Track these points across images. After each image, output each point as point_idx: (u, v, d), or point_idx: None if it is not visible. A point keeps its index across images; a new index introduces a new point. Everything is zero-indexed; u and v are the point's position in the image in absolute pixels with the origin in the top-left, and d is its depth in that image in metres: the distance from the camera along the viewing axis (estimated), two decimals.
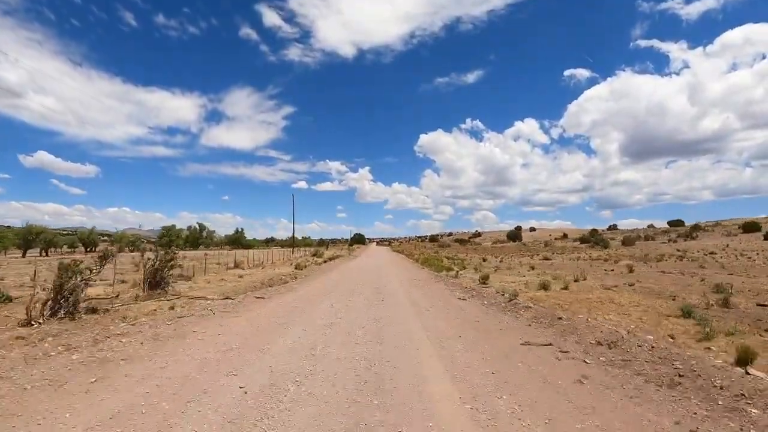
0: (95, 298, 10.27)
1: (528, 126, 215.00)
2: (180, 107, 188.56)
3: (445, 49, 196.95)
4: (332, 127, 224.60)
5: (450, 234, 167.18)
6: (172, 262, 10.69)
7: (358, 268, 24.34)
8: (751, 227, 65.45)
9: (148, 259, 10.55)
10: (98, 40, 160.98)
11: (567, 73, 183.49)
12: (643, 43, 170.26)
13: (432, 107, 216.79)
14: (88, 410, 3.43)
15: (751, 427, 3.11)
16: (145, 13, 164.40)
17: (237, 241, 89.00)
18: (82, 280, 7.73)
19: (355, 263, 29.70)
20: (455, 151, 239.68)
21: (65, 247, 63.39)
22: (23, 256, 46.83)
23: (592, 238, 76.58)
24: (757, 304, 9.61)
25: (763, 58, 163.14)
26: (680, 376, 4.14)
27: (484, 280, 14.01)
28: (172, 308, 8.76)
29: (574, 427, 3.17)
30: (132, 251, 53.92)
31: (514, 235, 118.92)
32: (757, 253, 36.28)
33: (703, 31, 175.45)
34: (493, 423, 3.24)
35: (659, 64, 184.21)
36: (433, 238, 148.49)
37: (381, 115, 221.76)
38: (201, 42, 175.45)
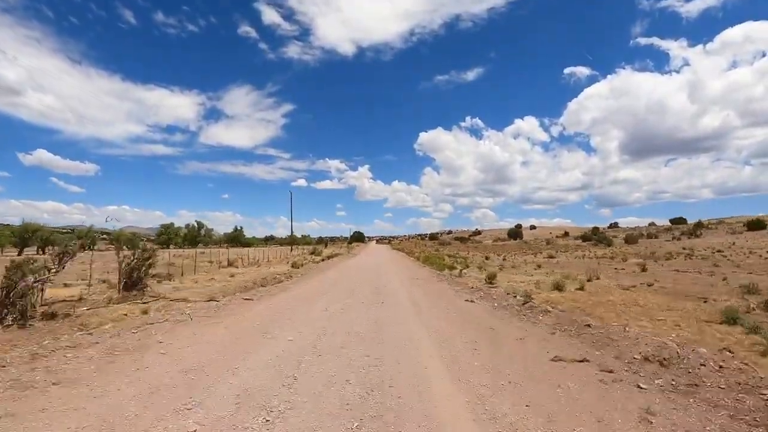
0: (65, 301, 9.33)
1: (528, 124, 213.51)
2: (179, 105, 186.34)
3: (445, 47, 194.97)
4: (332, 125, 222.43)
5: (450, 232, 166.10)
6: (150, 261, 9.67)
7: (356, 266, 23.34)
8: (755, 225, 64.35)
9: (124, 257, 9.52)
10: (97, 37, 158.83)
11: (567, 70, 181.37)
12: (643, 40, 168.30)
13: (432, 105, 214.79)
14: None
15: None
16: (144, 10, 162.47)
17: (236, 239, 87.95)
18: (36, 282, 6.72)
19: (354, 261, 28.71)
20: (455, 149, 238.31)
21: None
22: (19, 254, 45.89)
23: (595, 236, 75.34)
24: None
25: (763, 55, 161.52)
26: None
27: (490, 279, 13.02)
28: (145, 312, 7.76)
29: None
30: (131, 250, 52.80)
31: (515, 233, 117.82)
32: (767, 251, 35.32)
33: (703, 29, 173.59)
34: None
35: (659, 62, 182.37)
36: (433, 237, 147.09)
37: (380, 113, 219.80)
38: (200, 40, 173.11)
